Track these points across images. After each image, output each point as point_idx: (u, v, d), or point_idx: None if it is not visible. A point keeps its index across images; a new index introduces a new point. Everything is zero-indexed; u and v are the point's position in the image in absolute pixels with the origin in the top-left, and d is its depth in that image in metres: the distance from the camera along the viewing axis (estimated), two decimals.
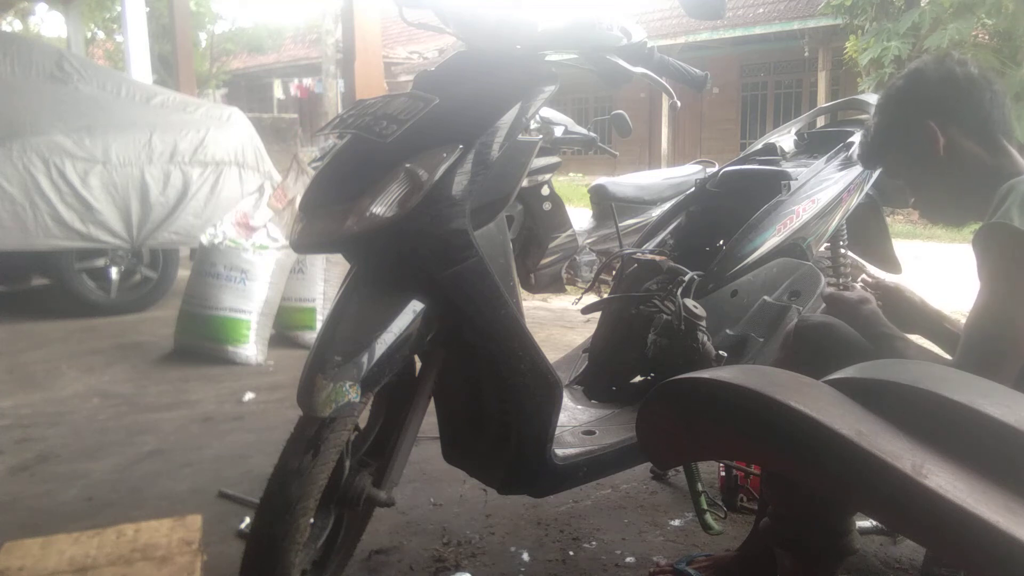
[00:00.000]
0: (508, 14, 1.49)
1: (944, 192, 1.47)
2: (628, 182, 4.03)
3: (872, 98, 2.55)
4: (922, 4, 9.52)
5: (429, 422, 1.59)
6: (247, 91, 23.77)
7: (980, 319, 1.26)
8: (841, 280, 2.29)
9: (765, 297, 2.00)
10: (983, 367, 1.18)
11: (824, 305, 1.66)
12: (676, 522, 2.05)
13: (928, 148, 1.42)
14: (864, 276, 1.75)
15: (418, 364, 1.54)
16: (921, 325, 1.62)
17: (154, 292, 4.69)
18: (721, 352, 1.86)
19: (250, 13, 27.73)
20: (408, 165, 1.31)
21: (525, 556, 1.87)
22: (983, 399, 0.91)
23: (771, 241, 2.02)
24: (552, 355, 1.72)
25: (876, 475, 0.84)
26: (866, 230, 2.47)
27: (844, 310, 1.52)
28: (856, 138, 2.28)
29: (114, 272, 4.48)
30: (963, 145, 1.40)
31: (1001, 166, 1.38)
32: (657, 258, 2.01)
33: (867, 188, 2.26)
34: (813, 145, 2.48)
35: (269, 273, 3.58)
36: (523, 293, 1.77)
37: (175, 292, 4.47)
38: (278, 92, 22.51)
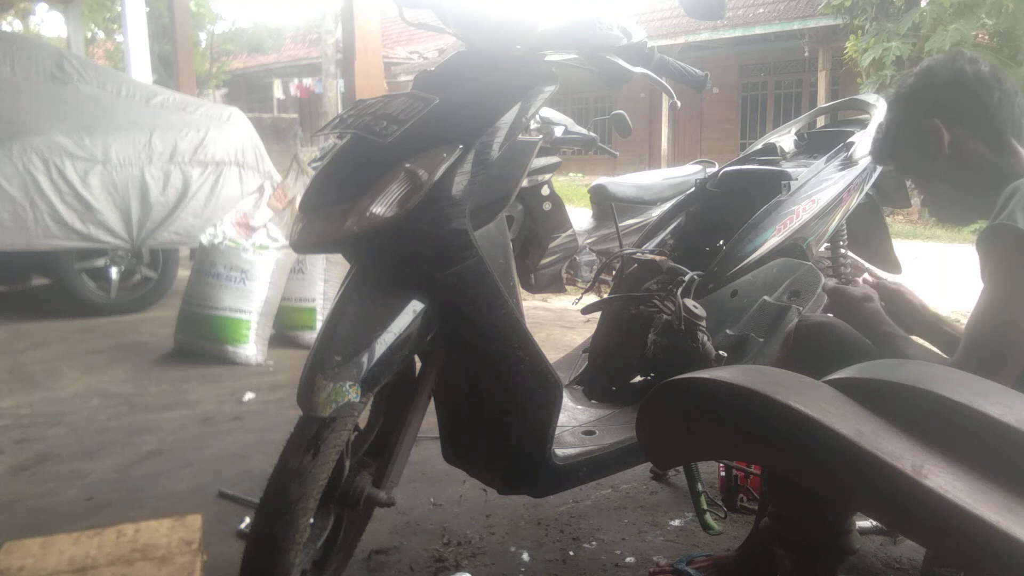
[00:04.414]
0: (508, 14, 1.49)
1: (949, 191, 1.47)
2: (628, 182, 4.03)
3: (872, 98, 2.55)
4: (922, 4, 9.52)
5: (429, 422, 1.59)
6: (247, 91, 23.76)
7: (982, 319, 1.26)
8: (843, 277, 2.29)
9: (765, 297, 1.99)
10: (984, 367, 1.18)
11: (825, 304, 1.66)
12: (676, 522, 2.05)
13: (934, 146, 1.42)
14: (866, 276, 1.75)
15: (418, 364, 1.54)
16: (920, 327, 1.62)
17: (154, 292, 4.69)
18: (721, 352, 1.86)
19: (250, 13, 27.83)
20: (408, 165, 1.31)
21: (525, 556, 1.87)
22: (983, 399, 0.91)
23: (771, 241, 2.01)
24: (552, 355, 1.72)
25: (876, 475, 0.84)
26: (866, 230, 2.47)
27: (846, 305, 1.52)
28: (856, 138, 2.28)
29: (114, 272, 4.48)
30: (969, 144, 1.40)
31: (1007, 166, 1.38)
32: (657, 258, 2.01)
33: (867, 188, 2.26)
34: (813, 145, 2.48)
35: (269, 273, 3.58)
36: (523, 293, 1.77)
37: (175, 292, 4.47)
38: (278, 92, 22.50)
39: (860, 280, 1.73)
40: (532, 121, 1.51)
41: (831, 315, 1.60)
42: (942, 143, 1.41)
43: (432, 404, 1.61)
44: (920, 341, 1.53)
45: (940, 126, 1.40)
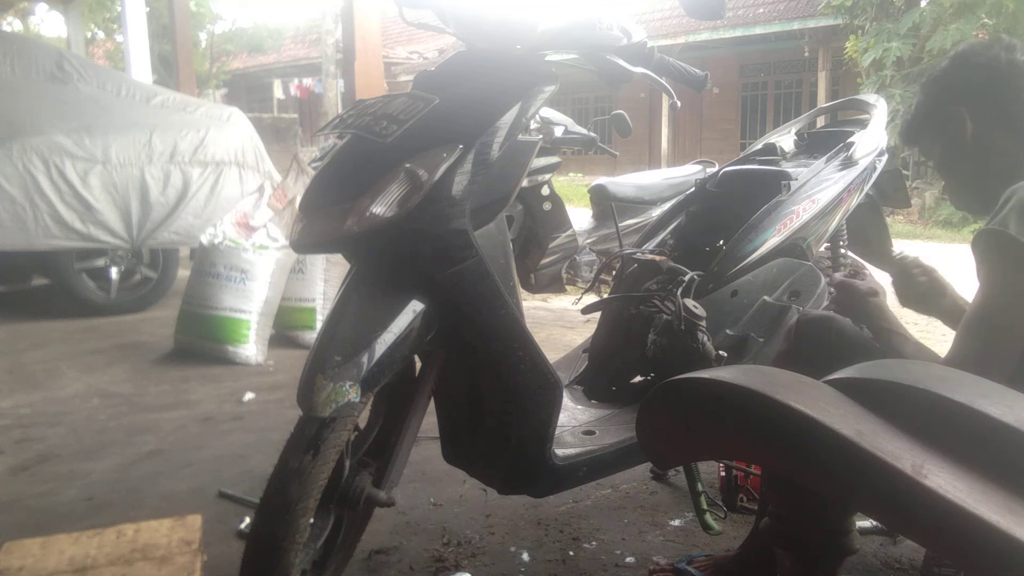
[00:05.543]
0: (508, 14, 1.49)
1: (967, 179, 1.46)
2: (628, 182, 4.03)
3: (872, 98, 2.55)
4: (922, 4, 9.53)
5: (429, 422, 1.59)
6: (247, 91, 23.75)
7: (973, 319, 1.27)
8: (851, 269, 2.28)
9: (765, 297, 1.99)
10: (976, 365, 1.18)
11: (831, 296, 1.66)
12: (676, 522, 2.05)
13: (957, 134, 1.40)
14: (903, 252, 1.75)
15: (418, 364, 1.54)
16: (947, 310, 1.62)
17: (154, 292, 4.69)
18: (721, 352, 1.86)
19: (250, 13, 27.86)
20: (408, 165, 1.31)
21: (525, 556, 1.87)
22: (983, 399, 0.91)
23: (771, 241, 2.01)
24: (552, 355, 1.72)
25: (876, 475, 0.84)
26: (866, 230, 2.47)
27: (852, 297, 1.52)
28: (856, 138, 2.28)
29: (114, 272, 4.48)
30: (992, 134, 1.38)
31: None
32: (657, 258, 2.01)
33: (867, 188, 2.26)
34: (813, 145, 2.48)
35: (269, 273, 3.58)
36: (523, 293, 1.77)
37: (175, 292, 4.47)
38: (278, 92, 22.50)
39: (897, 253, 1.73)
40: (532, 121, 1.51)
41: (833, 310, 1.60)
42: (965, 131, 1.39)
43: (432, 404, 1.61)
44: (921, 342, 1.53)
45: (965, 114, 1.39)
